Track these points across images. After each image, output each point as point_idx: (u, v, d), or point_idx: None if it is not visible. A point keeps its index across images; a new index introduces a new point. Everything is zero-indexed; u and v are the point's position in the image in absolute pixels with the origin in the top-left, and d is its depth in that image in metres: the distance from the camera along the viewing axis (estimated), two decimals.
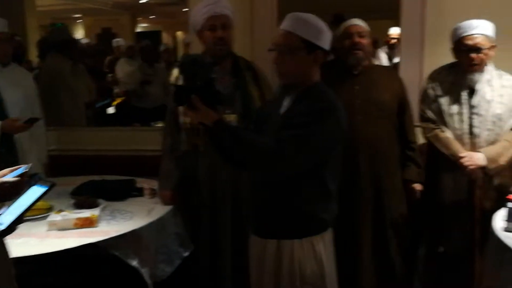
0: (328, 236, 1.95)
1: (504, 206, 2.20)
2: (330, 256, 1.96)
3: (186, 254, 2.58)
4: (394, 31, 4.89)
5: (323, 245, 1.91)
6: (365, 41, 2.74)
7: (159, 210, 2.56)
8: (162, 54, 5.29)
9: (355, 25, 2.76)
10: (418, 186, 2.83)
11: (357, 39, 2.72)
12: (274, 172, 1.82)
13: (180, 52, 5.65)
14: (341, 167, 1.95)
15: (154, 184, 2.77)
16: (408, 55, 3.67)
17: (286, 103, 1.92)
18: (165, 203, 2.63)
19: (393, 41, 4.94)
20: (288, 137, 1.75)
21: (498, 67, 2.75)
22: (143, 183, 2.87)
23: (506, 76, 2.73)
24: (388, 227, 2.79)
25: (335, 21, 3.75)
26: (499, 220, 2.24)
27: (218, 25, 2.51)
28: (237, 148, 1.78)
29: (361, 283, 2.78)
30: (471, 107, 2.66)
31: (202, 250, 2.62)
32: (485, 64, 2.66)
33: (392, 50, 5.11)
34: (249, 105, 2.55)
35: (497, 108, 2.64)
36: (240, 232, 2.53)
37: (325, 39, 1.88)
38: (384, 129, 2.75)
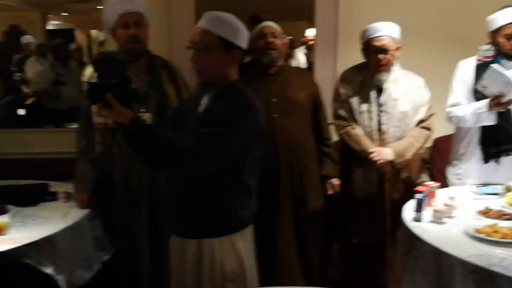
0: (248, 233, 1.96)
1: (412, 197, 2.34)
2: (250, 253, 1.98)
3: (106, 258, 2.51)
4: (311, 33, 5.03)
5: (244, 242, 1.92)
6: (278, 41, 2.81)
7: (75, 214, 2.47)
8: (73, 53, 5.07)
9: (269, 26, 2.83)
10: (335, 181, 2.94)
11: (270, 39, 2.78)
12: (192, 170, 1.80)
13: (95, 50, 5.46)
14: (260, 164, 1.98)
15: (69, 187, 2.68)
16: (323, 56, 3.80)
17: (204, 101, 1.91)
18: (81, 206, 2.54)
19: (310, 42, 5.09)
20: (206, 135, 1.75)
21: (404, 66, 2.91)
22: (57, 186, 2.77)
23: (411, 75, 2.89)
24: (306, 220, 2.88)
25: (251, 22, 3.81)
26: (408, 210, 2.37)
27: (131, 22, 2.47)
28: (153, 147, 1.76)
29: (282, 276, 2.84)
30: (379, 105, 2.80)
31: (120, 252, 2.56)
32: (392, 65, 2.81)
33: (310, 51, 5.26)
34: (164, 104, 2.53)
35: (403, 106, 2.80)
36: (159, 232, 2.51)
37: (243, 38, 1.89)
38: (300, 126, 2.84)
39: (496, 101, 2.59)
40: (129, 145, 1.79)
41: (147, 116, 2.44)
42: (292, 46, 5.32)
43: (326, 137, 2.97)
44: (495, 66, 2.60)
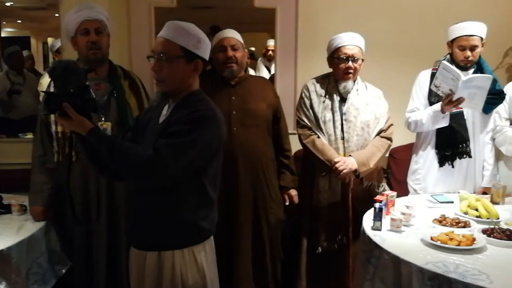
0: (209, 244, 1.95)
1: (373, 206, 2.38)
2: (211, 265, 1.96)
3: (63, 271, 2.44)
4: (271, 43, 5.07)
5: (205, 254, 1.91)
6: (239, 54, 2.81)
7: (30, 227, 2.39)
8: (25, 61, 4.92)
9: (228, 37, 2.81)
10: (293, 192, 2.97)
11: (230, 53, 2.78)
12: (152, 182, 1.78)
13: (51, 59, 5.33)
14: (221, 175, 1.97)
15: (23, 199, 2.60)
16: (283, 66, 3.86)
17: (165, 111, 1.90)
18: (37, 219, 2.47)
19: (270, 52, 5.13)
20: (167, 146, 1.73)
21: (362, 79, 2.99)
22: (11, 199, 2.69)
23: (371, 87, 2.98)
24: (266, 231, 2.89)
25: (211, 32, 3.80)
26: (367, 219, 2.41)
27: (91, 29, 2.45)
28: (113, 158, 1.73)
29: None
30: (343, 114, 2.85)
31: (78, 266, 2.50)
32: (357, 75, 2.88)
33: (270, 61, 5.29)
34: (125, 114, 2.50)
35: (365, 116, 2.86)
36: (118, 245, 2.47)
37: (205, 49, 1.89)
38: (260, 137, 2.85)
39: (447, 100, 2.69)
40: (87, 156, 1.76)
41: (107, 125, 2.40)
42: (254, 57, 5.35)
43: (286, 148, 3.00)
44: (445, 62, 2.73)
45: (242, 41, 2.86)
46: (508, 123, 2.91)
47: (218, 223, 1.97)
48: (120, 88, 2.53)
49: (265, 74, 5.33)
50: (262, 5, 3.86)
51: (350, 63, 2.81)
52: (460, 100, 2.67)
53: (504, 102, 2.93)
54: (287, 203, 2.97)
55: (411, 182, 3.06)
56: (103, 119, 2.43)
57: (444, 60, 2.88)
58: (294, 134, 3.80)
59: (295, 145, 3.47)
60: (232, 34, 2.84)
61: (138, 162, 1.73)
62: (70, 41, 2.52)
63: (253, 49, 5.24)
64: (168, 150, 1.73)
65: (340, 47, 2.83)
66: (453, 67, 2.69)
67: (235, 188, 2.77)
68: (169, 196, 1.82)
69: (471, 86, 2.64)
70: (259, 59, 5.52)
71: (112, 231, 2.50)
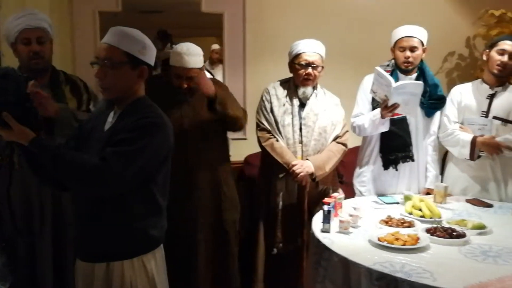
0: (159, 253, 1.92)
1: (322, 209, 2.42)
2: (162, 273, 1.93)
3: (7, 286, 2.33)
4: (215, 46, 5.04)
5: (155, 263, 1.87)
6: (195, 75, 2.73)
7: None
8: None
9: (185, 69, 2.70)
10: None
11: (185, 84, 2.73)
12: (99, 191, 1.73)
13: None
14: (171, 181, 1.94)
15: None
16: (232, 72, 3.87)
17: (110, 118, 1.85)
18: None
19: (215, 56, 5.09)
20: (114, 154, 1.69)
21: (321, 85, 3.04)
22: None
23: (329, 94, 3.05)
24: (223, 233, 2.92)
25: (159, 37, 3.76)
26: (317, 222, 2.45)
27: (33, 38, 2.36)
28: (57, 168, 1.67)
29: None
30: (301, 118, 2.89)
31: (21, 281, 2.39)
32: (317, 81, 2.93)
33: (213, 64, 5.26)
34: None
35: (323, 121, 2.92)
36: (63, 258, 2.39)
37: (150, 55, 1.86)
38: (213, 142, 2.87)
39: (383, 106, 2.77)
40: (30, 167, 1.69)
41: None
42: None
43: None
44: (378, 68, 2.81)
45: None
46: (457, 126, 3.02)
47: (175, 227, 1.95)
48: (61, 95, 2.46)
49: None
50: (209, 10, 3.86)
51: (309, 70, 2.86)
52: (395, 106, 2.75)
53: (452, 105, 3.05)
54: None
55: (357, 184, 3.14)
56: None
57: (388, 64, 2.97)
58: (244, 139, 3.83)
59: (245, 150, 3.49)
60: (190, 62, 2.71)
61: (84, 171, 1.68)
62: (11, 47, 2.42)
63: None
64: (115, 158, 1.69)
65: (301, 53, 2.87)
66: (386, 74, 2.76)
67: (192, 191, 2.80)
68: (118, 205, 1.78)
69: (404, 93, 2.72)
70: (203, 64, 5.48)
71: (58, 243, 2.42)
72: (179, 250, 2.72)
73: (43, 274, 2.41)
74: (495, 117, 2.95)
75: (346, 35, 3.97)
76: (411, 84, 2.77)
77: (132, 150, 1.71)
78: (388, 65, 2.99)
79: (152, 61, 1.88)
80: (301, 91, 2.91)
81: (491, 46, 2.98)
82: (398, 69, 2.96)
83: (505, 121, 2.94)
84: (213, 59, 5.05)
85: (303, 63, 2.86)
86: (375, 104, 2.94)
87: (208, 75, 2.94)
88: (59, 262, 2.41)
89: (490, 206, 2.81)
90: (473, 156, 2.92)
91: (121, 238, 1.80)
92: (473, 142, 2.90)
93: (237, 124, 2.84)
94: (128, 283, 1.79)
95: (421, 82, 2.80)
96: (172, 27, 4.01)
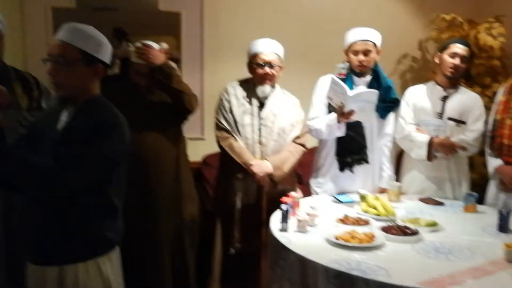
0: (115, 255, 1.88)
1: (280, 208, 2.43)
2: (118, 276, 1.90)
3: None
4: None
5: (110, 265, 1.84)
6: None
7: None
8: None
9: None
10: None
11: (145, 81, 2.74)
12: (52, 192, 1.68)
13: None
14: (128, 181, 1.91)
15: None
16: (189, 72, 3.83)
17: (64, 117, 1.80)
18: None
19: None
20: (69, 155, 1.65)
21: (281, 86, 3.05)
22: None
23: (288, 95, 3.05)
24: (184, 231, 2.94)
25: (115, 35, 3.69)
26: (275, 221, 2.46)
27: None
28: (8, 169, 1.60)
29: None
30: (261, 119, 2.89)
31: None
32: (275, 81, 2.94)
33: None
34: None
35: (282, 122, 2.92)
36: (15, 261, 2.30)
37: (105, 52, 1.83)
38: (169, 140, 2.86)
39: (340, 112, 2.80)
40: None
41: None
42: None
43: None
44: (334, 77, 2.83)
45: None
46: (413, 127, 3.10)
47: (132, 226, 1.91)
48: (12, 92, 2.37)
49: None
50: (166, 9, 3.82)
51: (267, 69, 2.86)
52: (351, 113, 2.76)
53: (407, 107, 3.13)
54: None
55: (313, 184, 3.17)
56: None
57: (344, 67, 2.99)
58: (202, 139, 3.81)
59: (202, 151, 3.47)
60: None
61: (37, 172, 1.63)
62: None
63: None
64: (69, 159, 1.64)
65: (259, 53, 2.87)
66: (341, 82, 2.76)
67: (148, 190, 2.78)
68: (71, 206, 1.73)
69: (359, 100, 2.74)
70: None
71: (8, 247, 2.32)
72: (137, 249, 2.70)
73: None
74: (449, 118, 3.06)
75: (302, 36, 4.01)
76: (366, 93, 2.79)
77: (86, 150, 1.68)
78: (343, 68, 3.00)
79: (107, 59, 1.84)
80: (259, 90, 2.91)
81: (443, 49, 3.08)
82: (352, 72, 2.99)
83: (459, 122, 3.06)
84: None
85: (260, 62, 2.87)
86: (331, 108, 2.95)
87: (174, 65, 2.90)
88: (11, 266, 2.31)
89: (441, 204, 2.91)
90: (429, 156, 3.01)
91: (75, 241, 1.75)
92: (430, 143, 2.99)
93: (185, 101, 2.78)
94: (83, 286, 1.75)
95: (376, 91, 2.81)
96: (129, 26, 3.94)
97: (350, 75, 2.99)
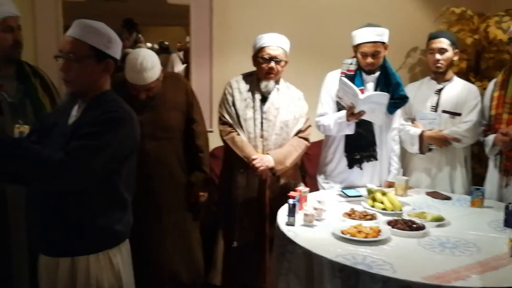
0: (125, 247, 1.92)
1: (287, 202, 2.45)
2: (128, 267, 1.93)
3: None
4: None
5: (121, 257, 1.87)
6: (154, 84, 2.73)
7: None
8: None
9: (145, 84, 2.69)
10: (201, 192, 3.05)
11: (144, 95, 2.72)
12: (63, 186, 1.71)
13: None
14: (136, 176, 1.94)
15: None
16: (198, 64, 3.84)
17: (74, 112, 1.83)
18: None
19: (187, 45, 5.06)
20: (79, 149, 1.67)
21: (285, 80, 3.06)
22: None
23: (293, 88, 3.05)
24: (188, 222, 3.00)
25: (125, 25, 3.70)
26: (282, 215, 2.48)
27: (15, 27, 2.31)
28: (18, 163, 1.63)
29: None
30: (263, 112, 2.90)
31: None
32: (280, 75, 2.94)
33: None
34: (40, 115, 2.35)
35: (285, 115, 2.93)
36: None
37: (116, 48, 1.85)
38: (171, 149, 2.90)
39: (350, 112, 2.79)
40: None
41: (24, 129, 2.24)
42: (168, 51, 5.27)
43: (198, 145, 3.01)
44: (344, 78, 2.81)
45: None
46: (410, 121, 3.13)
47: (143, 220, 1.95)
48: (33, 88, 2.39)
49: (180, 67, 5.26)
50: (175, 2, 3.82)
51: (272, 64, 2.85)
52: (361, 113, 2.76)
53: None
54: (191, 200, 3.01)
55: (320, 179, 3.18)
56: (20, 121, 2.26)
57: (351, 63, 2.98)
58: (210, 132, 3.83)
59: (211, 143, 3.48)
60: (148, 77, 2.70)
61: (48, 166, 1.65)
62: None
63: (167, 43, 5.17)
64: (80, 153, 1.67)
65: (264, 47, 2.86)
66: (351, 84, 2.74)
67: (148, 199, 2.81)
68: (82, 199, 1.76)
69: (370, 102, 2.73)
70: (173, 53, 5.44)
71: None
72: (143, 242, 2.73)
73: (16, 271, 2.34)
74: (444, 111, 3.09)
75: (312, 29, 3.99)
76: (377, 95, 2.77)
77: (96, 144, 1.70)
78: (351, 64, 2.98)
79: (117, 55, 1.86)
80: (263, 84, 2.91)
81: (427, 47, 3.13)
82: (361, 68, 2.97)
83: (453, 114, 3.10)
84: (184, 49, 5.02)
85: (266, 57, 2.86)
86: (340, 105, 2.94)
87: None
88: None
89: (448, 198, 2.92)
90: (422, 149, 3.04)
91: (86, 233, 1.79)
92: (421, 137, 3.04)
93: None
94: (94, 277, 1.79)
95: (387, 94, 2.79)
96: (138, 16, 3.96)
97: (359, 71, 2.97)
